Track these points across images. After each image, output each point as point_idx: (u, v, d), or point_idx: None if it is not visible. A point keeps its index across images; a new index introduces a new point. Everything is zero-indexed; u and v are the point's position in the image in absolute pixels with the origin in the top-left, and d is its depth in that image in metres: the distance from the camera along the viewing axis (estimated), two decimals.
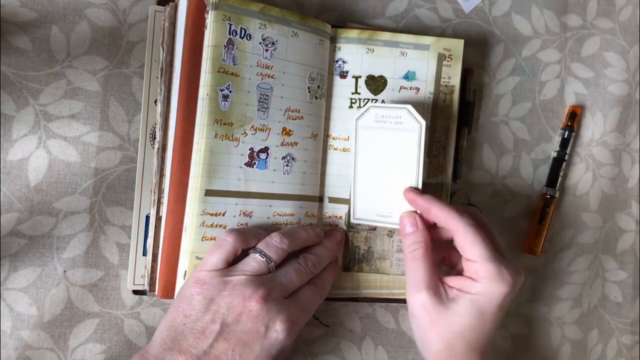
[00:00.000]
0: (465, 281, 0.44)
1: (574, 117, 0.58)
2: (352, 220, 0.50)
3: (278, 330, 0.41)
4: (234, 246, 0.43)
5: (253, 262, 0.43)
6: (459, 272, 0.46)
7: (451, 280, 0.45)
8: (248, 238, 0.44)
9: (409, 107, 0.47)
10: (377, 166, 0.49)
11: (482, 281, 0.43)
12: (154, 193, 0.47)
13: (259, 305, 0.41)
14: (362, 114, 0.49)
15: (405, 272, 0.47)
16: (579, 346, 0.60)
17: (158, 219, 0.46)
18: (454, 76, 0.53)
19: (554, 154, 0.58)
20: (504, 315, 0.44)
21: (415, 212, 0.47)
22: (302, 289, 0.45)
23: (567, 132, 0.58)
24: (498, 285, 0.42)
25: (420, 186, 0.47)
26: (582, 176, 0.60)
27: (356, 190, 0.50)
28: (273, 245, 0.44)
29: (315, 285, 0.46)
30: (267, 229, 0.47)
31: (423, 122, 0.46)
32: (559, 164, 0.58)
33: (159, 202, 0.46)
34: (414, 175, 0.47)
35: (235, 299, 0.41)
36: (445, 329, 0.43)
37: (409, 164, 0.48)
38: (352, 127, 0.49)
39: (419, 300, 0.44)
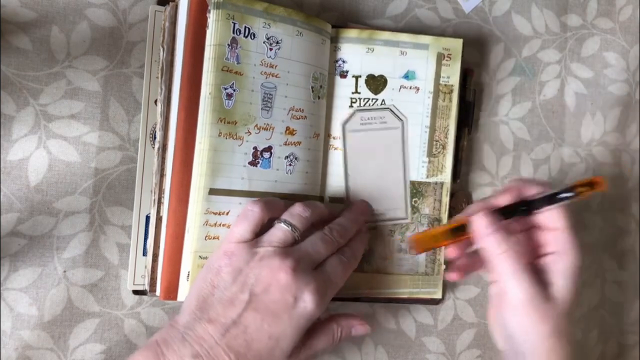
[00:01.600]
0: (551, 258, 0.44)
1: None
2: None
3: (307, 301, 0.41)
4: (261, 216, 0.43)
5: (279, 232, 0.43)
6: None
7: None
8: (273, 208, 0.44)
9: (391, 106, 0.51)
10: (368, 167, 0.51)
11: (569, 252, 0.44)
12: (154, 193, 0.47)
13: (288, 275, 0.40)
14: (349, 118, 0.51)
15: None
16: (579, 346, 0.60)
17: (158, 219, 0.46)
18: (453, 75, 0.53)
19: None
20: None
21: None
22: (330, 259, 0.44)
23: None
24: (577, 251, 0.44)
25: (408, 180, 0.52)
26: (582, 176, 0.60)
27: (350, 193, 0.51)
28: (297, 214, 0.44)
29: (344, 254, 0.45)
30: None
31: (405, 119, 0.51)
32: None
33: (159, 202, 0.46)
34: (402, 170, 0.52)
35: (263, 270, 0.41)
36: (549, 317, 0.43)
37: (397, 160, 0.51)
38: (340, 132, 0.51)
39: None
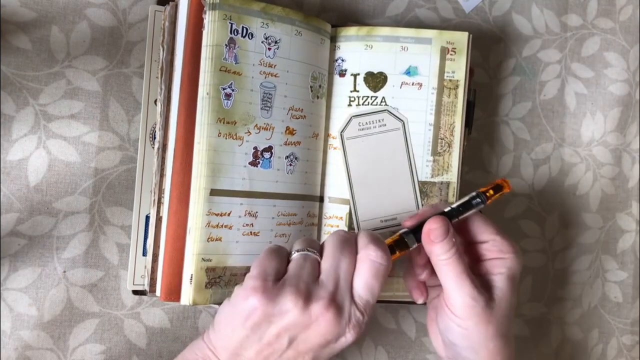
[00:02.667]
0: (493, 263, 0.46)
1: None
2: None
3: (348, 336, 0.40)
4: (287, 253, 0.43)
5: (303, 262, 0.41)
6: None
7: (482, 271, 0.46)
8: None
9: (389, 107, 0.50)
10: (371, 173, 0.50)
11: (508, 255, 0.45)
12: (154, 193, 0.47)
13: (326, 320, 0.39)
14: (345, 125, 0.50)
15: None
16: (579, 346, 0.60)
17: (158, 219, 0.46)
18: (458, 70, 0.51)
19: None
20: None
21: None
22: (359, 272, 0.41)
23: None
24: (515, 255, 0.46)
25: (417, 181, 0.50)
26: (582, 176, 0.60)
27: (355, 203, 0.51)
28: (303, 240, 0.43)
29: (370, 256, 0.41)
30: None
31: (405, 119, 0.49)
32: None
33: (159, 202, 0.46)
34: (409, 171, 0.50)
35: (299, 315, 0.39)
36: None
37: (402, 162, 0.50)
38: (338, 141, 0.50)
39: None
